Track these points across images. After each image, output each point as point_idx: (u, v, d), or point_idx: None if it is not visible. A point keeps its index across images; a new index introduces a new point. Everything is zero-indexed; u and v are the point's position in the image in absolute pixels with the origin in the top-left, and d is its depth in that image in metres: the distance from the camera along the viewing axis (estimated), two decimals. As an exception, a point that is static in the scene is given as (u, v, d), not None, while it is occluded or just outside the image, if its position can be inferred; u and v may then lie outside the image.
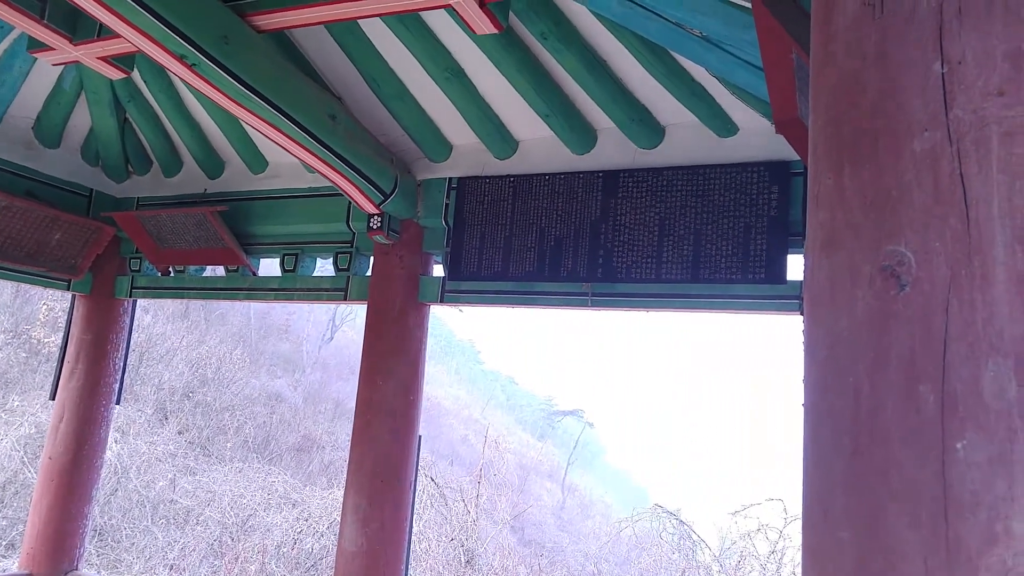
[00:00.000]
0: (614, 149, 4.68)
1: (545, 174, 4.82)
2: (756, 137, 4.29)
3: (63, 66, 5.63)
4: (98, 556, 11.16)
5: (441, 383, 35.99)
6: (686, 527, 13.90)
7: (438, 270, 5.32)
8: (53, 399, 6.42)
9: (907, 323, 1.04)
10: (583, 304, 4.67)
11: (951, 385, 1.01)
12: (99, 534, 11.56)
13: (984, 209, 1.03)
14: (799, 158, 3.87)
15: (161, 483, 12.92)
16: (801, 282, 4.06)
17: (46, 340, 14.82)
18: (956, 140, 1.05)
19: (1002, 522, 0.95)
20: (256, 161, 5.91)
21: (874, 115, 1.12)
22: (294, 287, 5.67)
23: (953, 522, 0.97)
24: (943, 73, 1.08)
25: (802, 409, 1.24)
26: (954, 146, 1.05)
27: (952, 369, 1.01)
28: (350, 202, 5.26)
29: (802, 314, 1.34)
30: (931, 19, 1.10)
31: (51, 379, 8.51)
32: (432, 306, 5.21)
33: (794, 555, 12.00)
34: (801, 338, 1.33)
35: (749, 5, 2.77)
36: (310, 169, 5.08)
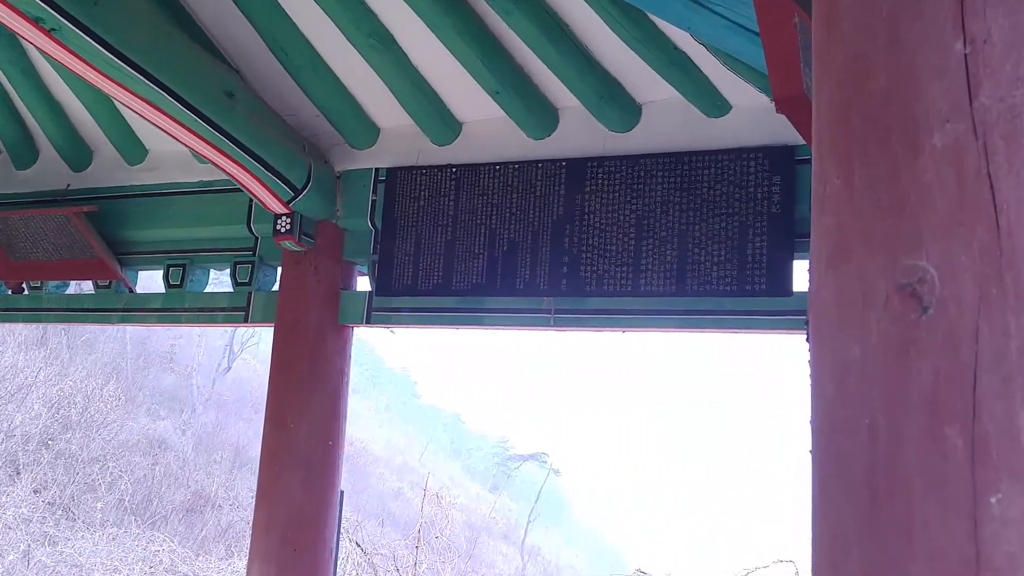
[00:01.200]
0: (580, 133, 4.72)
1: (495, 163, 4.84)
2: (752, 117, 4.35)
3: None
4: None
5: (368, 423, 35.77)
6: (677, 597, 13.95)
7: (363, 283, 5.32)
8: None
9: (930, 352, 1.07)
10: (544, 324, 4.68)
11: (983, 426, 1.03)
12: (-70, 624, 11.26)
13: (1016, 215, 1.06)
14: (805, 142, 3.94)
15: (11, 556, 12.63)
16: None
17: None
18: (982, 133, 1.09)
19: (1043, 590, 0.98)
20: (133, 149, 5.86)
21: (887, 103, 1.16)
22: (181, 306, 5.63)
23: (986, 590, 1.00)
24: (966, 54, 1.11)
25: (809, 454, 1.28)
26: (980, 140, 1.09)
27: (983, 407, 1.03)
28: (252, 199, 5.23)
29: (807, 338, 1.44)
30: (950, -10, 1.14)
31: None
32: (356, 328, 5.20)
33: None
34: (806, 368, 1.36)
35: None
36: (201, 159, 5.05)
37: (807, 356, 1.36)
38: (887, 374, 1.10)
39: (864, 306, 1.14)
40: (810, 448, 1.27)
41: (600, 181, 4.60)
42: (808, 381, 1.32)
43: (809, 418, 1.29)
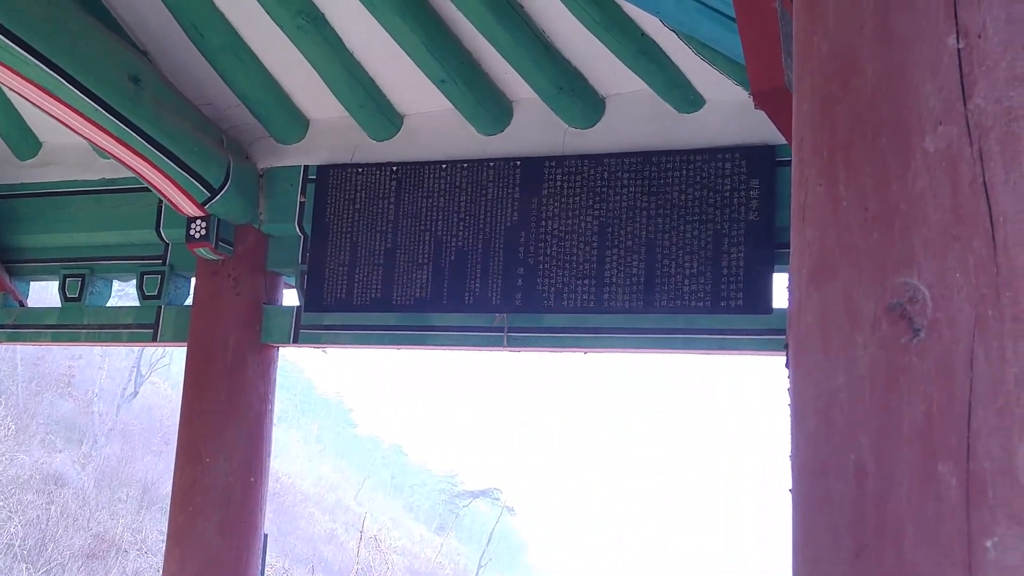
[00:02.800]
0: (536, 128, 4.76)
1: (441, 162, 4.87)
2: (728, 113, 4.42)
3: None
4: None
5: (297, 456, 35.55)
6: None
7: (290, 297, 5.32)
8: None
9: (922, 381, 1.09)
10: (496, 344, 4.72)
11: (978, 464, 1.04)
12: None
13: (1014, 229, 1.08)
14: (787, 142, 3.99)
15: None
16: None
17: None
18: (977, 137, 1.11)
19: (1044, 645, 0.99)
20: (23, 142, 5.80)
21: (875, 103, 1.17)
22: (80, 323, 5.58)
23: (982, 645, 1.01)
24: (959, 49, 1.12)
25: (789, 495, 1.28)
26: (975, 145, 1.11)
27: (979, 442, 1.04)
28: (161, 200, 5.20)
29: (787, 364, 1.44)
30: (942, -22, 1.16)
31: None
32: (282, 348, 5.21)
33: None
34: (787, 397, 1.37)
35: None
36: (103, 154, 5.00)
37: (787, 384, 1.37)
38: (875, 406, 1.11)
39: (850, 329, 1.15)
40: (790, 487, 1.28)
41: (559, 183, 4.65)
42: (788, 412, 1.33)
43: (789, 454, 1.29)
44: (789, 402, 1.33)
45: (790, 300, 1.35)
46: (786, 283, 4.45)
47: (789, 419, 1.31)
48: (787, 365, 1.40)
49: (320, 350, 5.33)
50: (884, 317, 1.11)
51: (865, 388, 1.13)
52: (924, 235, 1.11)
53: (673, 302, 4.38)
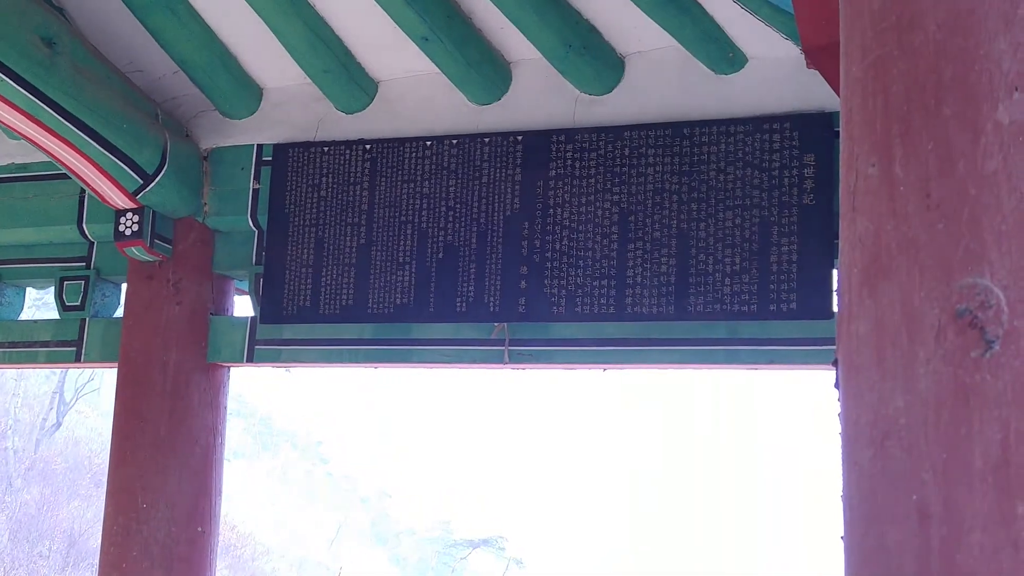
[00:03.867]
0: (541, 96, 4.75)
1: (425, 138, 4.86)
2: (776, 73, 4.41)
3: None
4: None
5: (256, 500, 35.51)
6: None
7: (243, 306, 5.30)
8: None
9: (997, 404, 1.08)
10: (496, 360, 4.71)
11: None
12: None
13: (1105, 218, 1.07)
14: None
15: None
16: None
17: None
18: (1061, 106, 1.10)
19: None
20: (-86, 120, 5.77)
21: (937, 64, 1.17)
22: (-13, 340, 5.56)
23: None
24: None
25: (841, 543, 1.28)
26: (1059, 115, 1.10)
27: None
28: (84, 190, 5.19)
29: (836, 384, 1.43)
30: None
31: None
32: (233, 368, 5.18)
33: None
34: (836, 423, 1.37)
35: None
36: (11, 134, 4.99)
37: (837, 407, 1.37)
38: (941, 435, 1.11)
39: (910, 341, 1.16)
40: (841, 534, 1.28)
41: (570, 162, 4.63)
42: (839, 444, 1.33)
43: (840, 494, 1.29)
44: (840, 430, 1.33)
45: (840, 306, 1.34)
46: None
47: (840, 451, 1.31)
48: (836, 385, 1.40)
49: (282, 369, 5.35)
50: (950, 326, 1.10)
51: (928, 413, 1.12)
52: (997, 226, 1.09)
53: (711, 306, 4.36)
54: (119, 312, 5.45)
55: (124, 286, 5.38)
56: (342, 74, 4.95)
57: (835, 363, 1.41)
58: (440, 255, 4.76)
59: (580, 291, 4.54)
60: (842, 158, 1.33)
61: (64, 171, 4.99)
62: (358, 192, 4.92)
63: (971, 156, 1.12)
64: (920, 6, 1.20)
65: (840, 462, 1.30)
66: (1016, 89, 1.11)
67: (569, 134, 4.65)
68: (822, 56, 2.74)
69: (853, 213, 1.27)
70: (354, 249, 4.88)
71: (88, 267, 5.45)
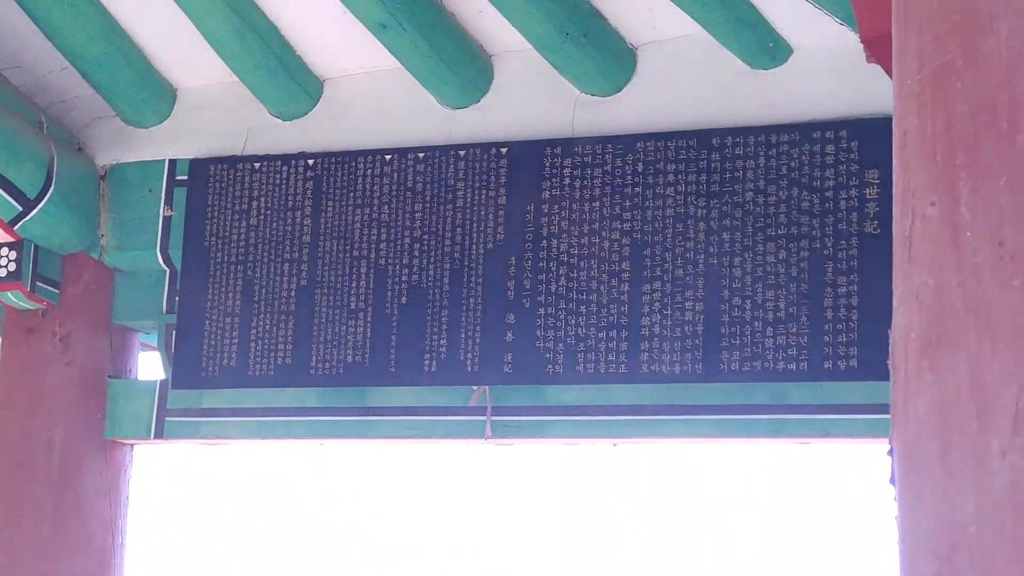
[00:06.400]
0: (531, 96, 4.73)
1: (385, 151, 4.76)
2: (827, 69, 4.35)
3: None
4: None
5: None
6: None
7: (150, 366, 5.12)
8: None
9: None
10: (474, 433, 4.55)
11: None
12: None
13: None
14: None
15: None
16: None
17: None
18: None
19: None
20: None
21: (1012, 77, 1.16)
22: None
23: None
24: None
25: None
26: None
27: None
28: (-54, 217, 5.00)
29: (892, 479, 1.36)
30: None
31: None
32: (138, 446, 5.01)
33: None
34: (893, 527, 1.38)
35: None
36: None
37: (894, 509, 1.38)
38: (1021, 547, 1.10)
39: (981, 429, 1.15)
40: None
41: (567, 180, 4.56)
42: (896, 554, 1.33)
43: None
44: (896, 538, 1.34)
45: (894, 381, 1.33)
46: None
47: (898, 564, 1.31)
48: (892, 480, 1.41)
49: (211, 443, 5.05)
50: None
51: (1005, 521, 1.12)
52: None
53: (749, 364, 4.26)
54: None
55: (-2, 342, 5.12)
56: (278, 70, 4.85)
57: (890, 452, 1.37)
58: (403, 299, 4.67)
59: (582, 345, 4.45)
60: (895, 194, 1.29)
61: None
62: (298, 219, 4.83)
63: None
64: (991, 5, 1.22)
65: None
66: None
67: (566, 145, 4.61)
68: (886, 47, 2.38)
69: (909, 264, 1.27)
70: (293, 293, 4.78)
71: (-49, 317, 5.34)
